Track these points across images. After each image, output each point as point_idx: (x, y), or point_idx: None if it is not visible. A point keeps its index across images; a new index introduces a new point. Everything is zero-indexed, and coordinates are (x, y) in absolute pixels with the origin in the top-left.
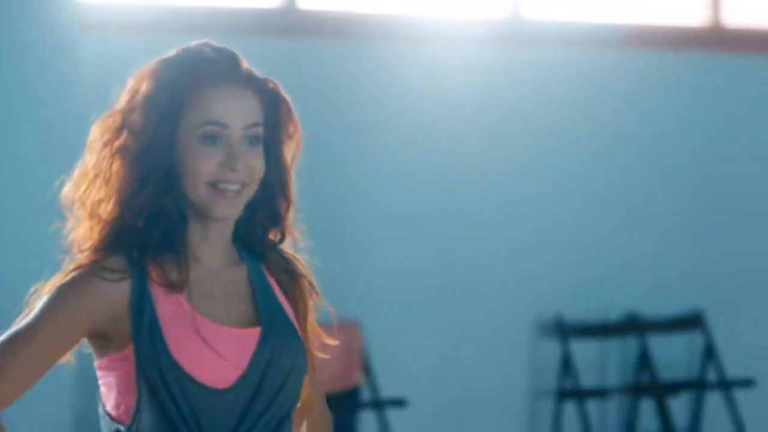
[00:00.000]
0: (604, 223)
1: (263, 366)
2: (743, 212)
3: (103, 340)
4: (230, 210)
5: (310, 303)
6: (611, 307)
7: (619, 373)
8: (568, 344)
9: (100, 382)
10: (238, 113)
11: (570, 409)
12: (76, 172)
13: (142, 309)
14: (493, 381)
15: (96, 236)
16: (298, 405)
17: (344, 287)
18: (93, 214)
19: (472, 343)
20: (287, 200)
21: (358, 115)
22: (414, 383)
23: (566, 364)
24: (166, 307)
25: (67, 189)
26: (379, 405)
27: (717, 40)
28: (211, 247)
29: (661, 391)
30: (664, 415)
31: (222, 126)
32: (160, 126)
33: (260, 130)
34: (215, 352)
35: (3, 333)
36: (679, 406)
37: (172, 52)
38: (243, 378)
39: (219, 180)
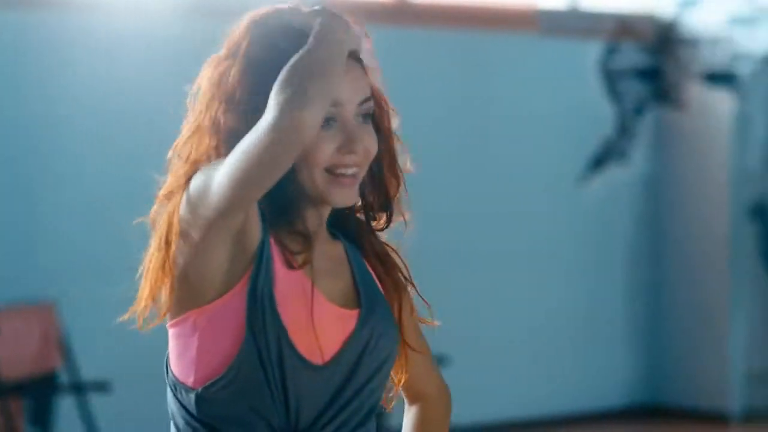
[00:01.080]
0: None
1: (360, 349)
2: None
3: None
4: (352, 196)
5: (405, 296)
6: None
7: None
8: None
9: (180, 342)
10: (352, 88)
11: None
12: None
13: (260, 265)
14: None
15: None
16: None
17: (40, 266)
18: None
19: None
20: (396, 178)
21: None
22: (118, 366)
23: None
24: (283, 273)
25: (179, 141)
26: (79, 389)
27: (404, 14)
28: (318, 227)
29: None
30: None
31: (337, 105)
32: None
33: (372, 104)
34: (321, 327)
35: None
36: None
37: (268, 12)
38: (337, 358)
39: (337, 165)
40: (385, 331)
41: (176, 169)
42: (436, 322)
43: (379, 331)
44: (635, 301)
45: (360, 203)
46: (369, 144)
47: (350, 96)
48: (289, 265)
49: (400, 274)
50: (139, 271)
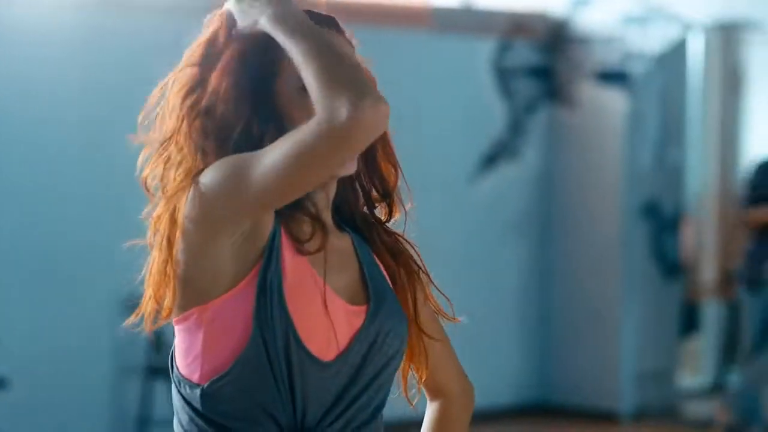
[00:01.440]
0: None
1: (367, 346)
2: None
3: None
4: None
5: (419, 285)
6: None
7: None
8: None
9: (186, 337)
10: None
11: (159, 386)
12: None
13: (270, 258)
14: (82, 360)
15: None
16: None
17: None
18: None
19: (64, 323)
20: (394, 166)
21: None
22: (16, 363)
23: (157, 341)
24: (292, 266)
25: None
26: None
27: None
28: (326, 212)
29: None
30: None
31: None
32: (256, 90)
33: None
34: (329, 323)
35: None
36: None
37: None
38: (345, 355)
39: None
40: (393, 328)
41: (167, 173)
42: (457, 318)
43: (387, 328)
44: (526, 300)
45: (347, 187)
46: None
47: None
48: (300, 253)
49: (412, 263)
50: (142, 272)
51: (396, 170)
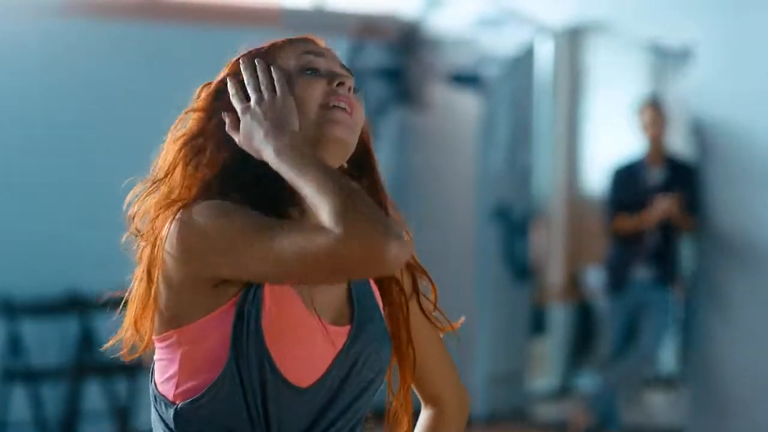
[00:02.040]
0: (28, 201)
1: (346, 370)
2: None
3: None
4: (348, 129)
5: (413, 299)
6: (54, 285)
7: (63, 353)
8: (16, 324)
9: (164, 356)
10: (330, 53)
11: (18, 390)
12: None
13: (250, 285)
14: None
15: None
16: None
17: None
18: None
19: None
20: (382, 194)
21: None
22: None
23: (14, 345)
24: (273, 289)
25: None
26: None
27: (152, 10)
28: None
29: (107, 371)
30: (110, 394)
31: (318, 54)
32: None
33: (353, 81)
34: (308, 348)
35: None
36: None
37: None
38: (323, 379)
39: (329, 100)
40: (375, 351)
41: (154, 209)
42: (453, 325)
43: (369, 351)
44: None
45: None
46: (356, 101)
47: (327, 53)
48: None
49: (405, 276)
50: (124, 298)
51: (384, 199)
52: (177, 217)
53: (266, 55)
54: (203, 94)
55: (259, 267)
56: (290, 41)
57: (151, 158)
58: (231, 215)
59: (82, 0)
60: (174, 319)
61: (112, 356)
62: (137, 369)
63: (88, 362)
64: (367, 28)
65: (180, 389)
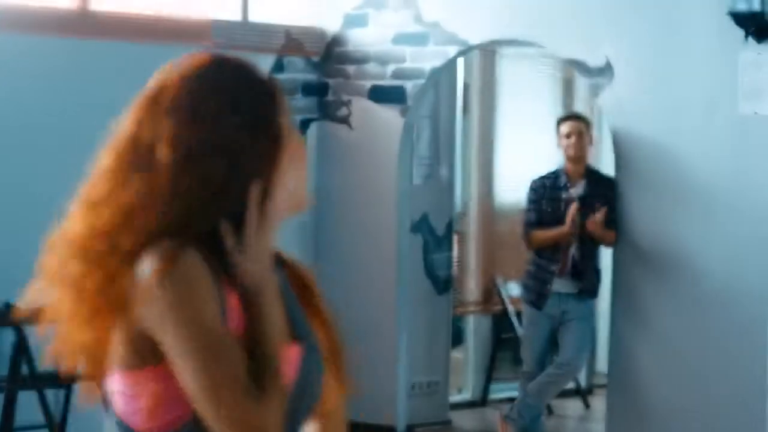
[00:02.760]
0: None
1: (301, 389)
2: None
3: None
4: None
5: (332, 323)
6: None
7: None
8: None
9: (127, 392)
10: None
11: None
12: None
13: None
14: None
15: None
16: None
17: None
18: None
19: None
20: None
21: None
22: None
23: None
24: (234, 315)
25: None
26: None
27: (84, 25)
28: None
29: (42, 383)
30: (44, 406)
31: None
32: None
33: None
34: None
35: None
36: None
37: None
38: (290, 399)
39: None
40: (318, 367)
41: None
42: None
43: (315, 369)
44: None
45: None
46: None
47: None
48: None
49: (316, 291)
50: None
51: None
52: (153, 268)
53: None
54: (137, 111)
55: (189, 379)
56: None
57: (79, 174)
58: (198, 317)
59: (7, 15)
60: (142, 359)
61: (46, 368)
62: (72, 382)
63: (23, 374)
64: (292, 43)
65: (146, 425)
